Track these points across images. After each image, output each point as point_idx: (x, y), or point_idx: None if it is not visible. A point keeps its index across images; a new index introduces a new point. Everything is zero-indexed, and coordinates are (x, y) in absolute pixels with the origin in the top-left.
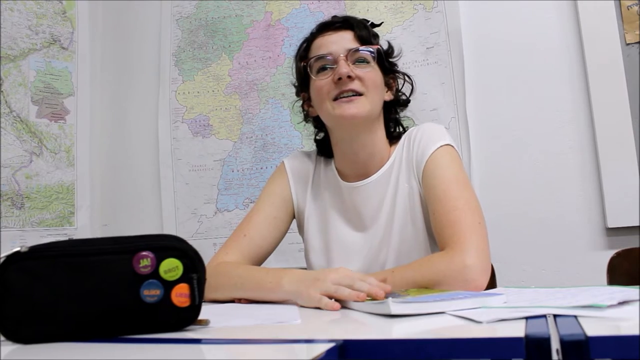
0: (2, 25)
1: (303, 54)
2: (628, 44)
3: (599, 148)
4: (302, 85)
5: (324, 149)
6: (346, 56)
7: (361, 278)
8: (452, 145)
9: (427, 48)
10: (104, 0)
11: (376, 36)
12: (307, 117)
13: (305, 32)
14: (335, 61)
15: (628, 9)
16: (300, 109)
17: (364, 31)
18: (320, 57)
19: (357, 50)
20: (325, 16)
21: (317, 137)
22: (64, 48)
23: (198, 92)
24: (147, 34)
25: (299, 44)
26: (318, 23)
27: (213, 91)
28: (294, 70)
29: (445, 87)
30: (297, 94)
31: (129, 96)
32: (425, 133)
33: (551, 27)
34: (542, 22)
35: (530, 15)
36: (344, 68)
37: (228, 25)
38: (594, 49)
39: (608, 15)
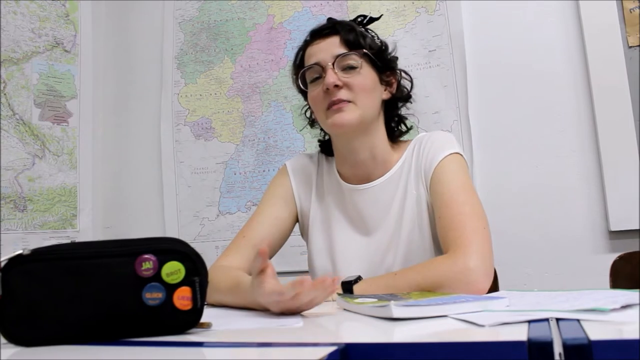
0: (5, 29)
1: (299, 63)
2: (630, 47)
3: (602, 151)
4: (303, 94)
5: (327, 149)
6: (333, 64)
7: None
8: (460, 154)
9: (430, 51)
10: (107, 1)
11: (365, 37)
12: (312, 123)
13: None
14: (324, 70)
15: (630, 12)
16: (302, 113)
17: (351, 34)
18: (310, 68)
19: (343, 56)
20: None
21: (321, 139)
22: (66, 51)
23: (200, 95)
24: (150, 37)
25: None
26: (310, 30)
27: (215, 94)
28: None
29: (448, 90)
30: (305, 99)
31: (132, 99)
32: (435, 141)
33: (553, 30)
34: (544, 25)
35: (532, 18)
36: (331, 78)
37: (230, 28)
38: (596, 51)
39: (610, 18)
